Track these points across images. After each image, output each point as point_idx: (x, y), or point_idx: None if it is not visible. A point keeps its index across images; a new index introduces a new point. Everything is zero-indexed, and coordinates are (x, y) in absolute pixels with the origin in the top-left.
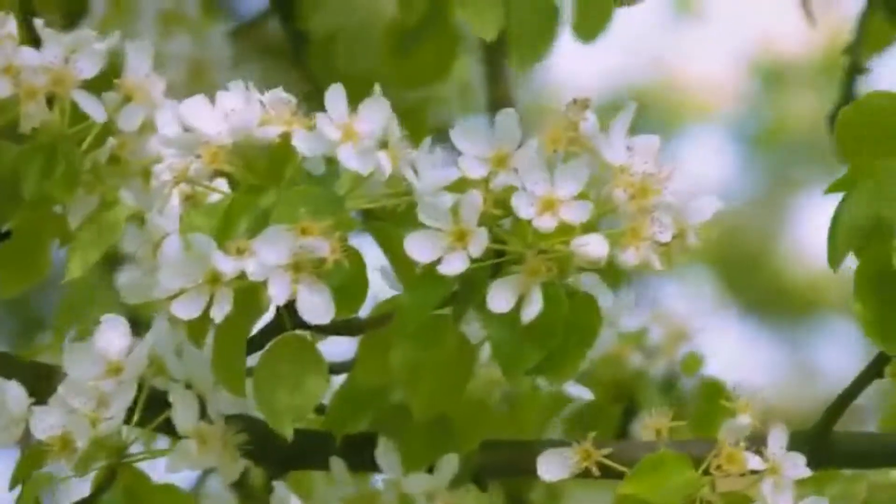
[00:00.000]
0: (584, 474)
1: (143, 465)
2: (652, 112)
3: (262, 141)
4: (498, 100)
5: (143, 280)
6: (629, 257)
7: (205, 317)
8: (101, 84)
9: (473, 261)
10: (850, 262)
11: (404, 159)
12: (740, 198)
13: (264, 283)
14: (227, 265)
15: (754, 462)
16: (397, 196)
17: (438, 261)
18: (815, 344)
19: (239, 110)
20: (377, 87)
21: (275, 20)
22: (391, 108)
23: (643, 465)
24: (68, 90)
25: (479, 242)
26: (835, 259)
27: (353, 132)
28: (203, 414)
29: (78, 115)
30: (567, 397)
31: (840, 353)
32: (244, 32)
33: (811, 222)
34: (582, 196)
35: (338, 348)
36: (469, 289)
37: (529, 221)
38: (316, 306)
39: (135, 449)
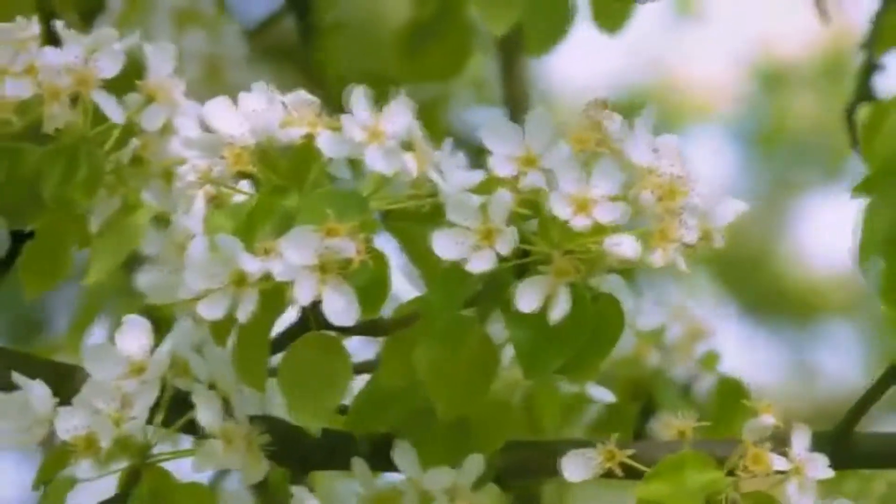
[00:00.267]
0: (607, 475)
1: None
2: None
3: (285, 142)
4: (513, 95)
5: (167, 281)
6: (657, 258)
7: (228, 317)
8: (117, 84)
9: (500, 260)
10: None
11: (430, 160)
12: (740, 199)
13: (290, 284)
14: (253, 266)
15: (780, 463)
16: (420, 197)
17: (464, 260)
18: (815, 345)
19: (261, 111)
20: (399, 88)
21: (288, 19)
22: None
23: (665, 465)
24: (91, 90)
25: (508, 241)
26: (862, 261)
27: (378, 133)
28: (227, 414)
29: (99, 116)
30: (584, 397)
31: (840, 354)
32: (258, 31)
33: (811, 223)
34: (616, 197)
35: (355, 348)
36: (494, 289)
37: (556, 221)
38: (341, 307)
39: (158, 449)
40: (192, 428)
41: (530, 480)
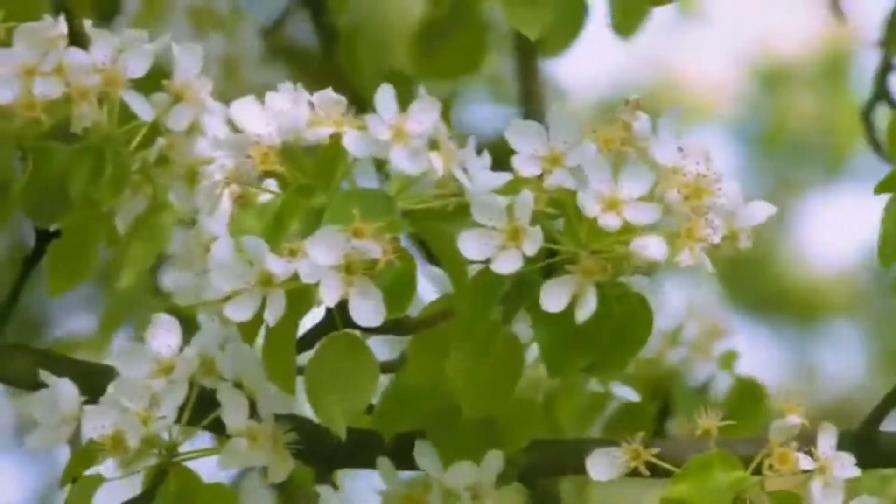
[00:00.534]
0: (632, 474)
1: None
2: (653, 113)
3: (311, 141)
4: (529, 93)
5: (193, 282)
6: (685, 258)
7: (256, 317)
8: (141, 84)
9: (526, 260)
10: (853, 264)
11: (455, 160)
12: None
13: (316, 285)
14: (279, 267)
15: (806, 462)
16: (445, 197)
17: (490, 260)
18: (817, 346)
19: (288, 110)
20: (418, 87)
21: (301, 18)
22: None
23: (693, 465)
24: (118, 90)
25: (534, 240)
26: (886, 258)
27: (403, 132)
28: (252, 413)
29: (125, 116)
30: (603, 396)
31: (841, 354)
32: (272, 30)
33: (812, 223)
34: (644, 197)
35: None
36: (521, 289)
37: (583, 220)
38: (368, 308)
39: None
40: (217, 426)
41: (553, 478)
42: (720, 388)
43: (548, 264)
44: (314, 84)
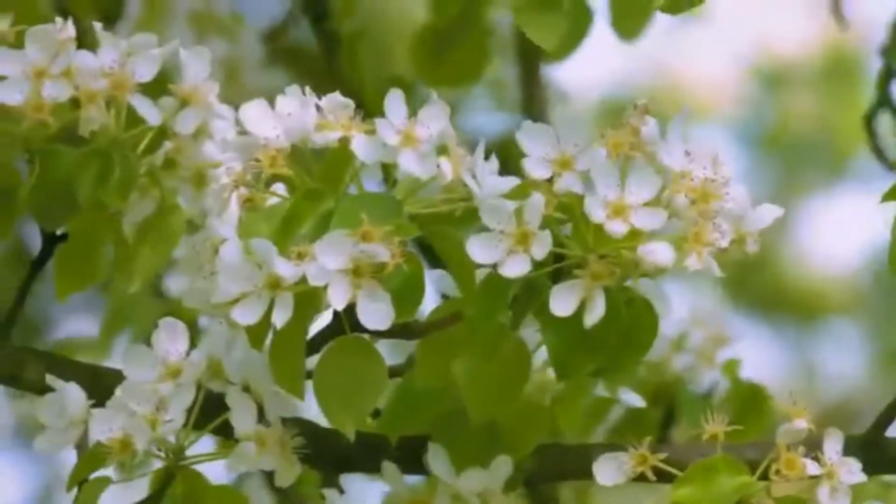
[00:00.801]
0: (639, 479)
1: None
2: (655, 114)
3: (319, 145)
4: (531, 98)
5: (201, 285)
6: (692, 263)
7: (264, 320)
8: (148, 87)
9: (534, 264)
10: (855, 265)
11: (464, 164)
12: None
13: (324, 288)
14: (287, 270)
15: (813, 468)
16: (453, 201)
17: (498, 264)
18: (818, 346)
19: (296, 114)
20: (426, 92)
21: (301, 22)
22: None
23: (697, 469)
24: (126, 94)
25: (543, 244)
26: (893, 265)
27: (412, 137)
28: (260, 417)
29: (132, 120)
30: (608, 401)
31: (842, 354)
32: (272, 34)
33: (814, 224)
34: (651, 202)
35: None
36: (530, 293)
37: (591, 226)
38: (376, 311)
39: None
40: (224, 430)
41: (558, 483)
42: (725, 394)
43: (556, 269)
44: (316, 89)
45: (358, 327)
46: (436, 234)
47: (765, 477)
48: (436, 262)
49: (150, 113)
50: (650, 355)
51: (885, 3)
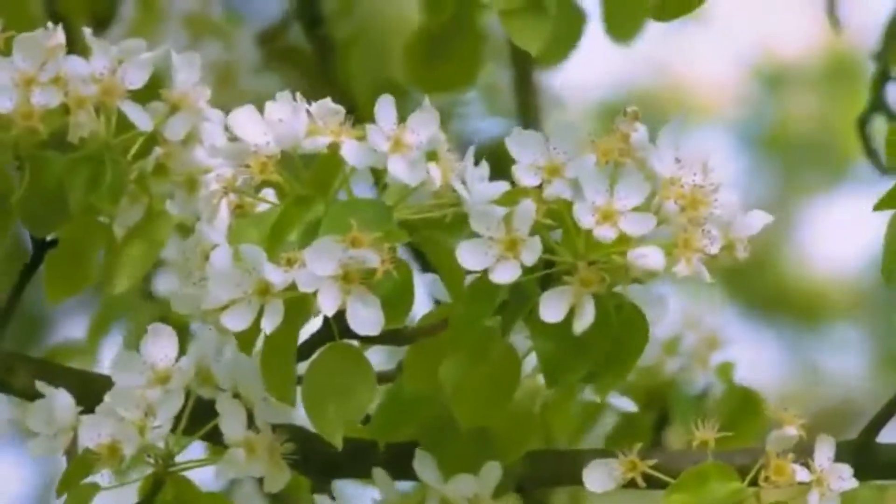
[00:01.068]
0: (629, 485)
1: None
2: (655, 115)
3: (309, 151)
4: (526, 104)
5: (191, 290)
6: (681, 269)
7: (254, 326)
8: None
9: (524, 270)
10: (856, 267)
11: (454, 171)
12: (744, 201)
13: (314, 294)
14: (277, 277)
15: (802, 474)
16: (443, 207)
17: (488, 271)
18: (819, 347)
19: (286, 120)
20: (417, 98)
21: (296, 26)
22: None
23: (688, 476)
24: (116, 100)
25: (533, 251)
26: (889, 274)
27: (401, 143)
28: (250, 423)
29: (122, 125)
30: (600, 406)
31: (844, 356)
32: (267, 38)
33: (815, 225)
34: (640, 208)
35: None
36: (519, 299)
37: (581, 232)
38: (366, 317)
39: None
40: (213, 436)
41: (549, 489)
42: (718, 397)
43: (545, 275)
44: (310, 93)
45: (348, 333)
46: (426, 240)
47: (755, 483)
48: (429, 267)
49: (141, 119)
50: (643, 359)
51: (885, 3)
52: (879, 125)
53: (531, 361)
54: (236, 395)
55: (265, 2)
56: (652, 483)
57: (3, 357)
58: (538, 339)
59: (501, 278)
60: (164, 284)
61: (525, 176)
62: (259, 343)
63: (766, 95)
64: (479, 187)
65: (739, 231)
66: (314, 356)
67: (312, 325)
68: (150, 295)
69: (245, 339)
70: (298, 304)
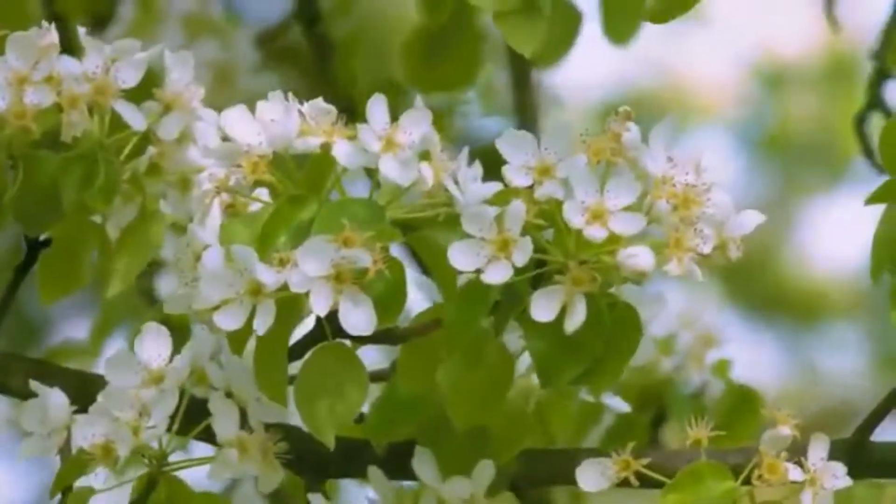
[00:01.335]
0: (623, 484)
1: None
2: (655, 115)
3: (301, 151)
4: (523, 103)
5: (184, 290)
6: (673, 268)
7: (246, 326)
8: (132, 91)
9: (516, 271)
10: (855, 266)
11: (446, 171)
12: (743, 201)
13: (306, 294)
14: (269, 277)
15: (795, 473)
16: (436, 207)
17: (480, 271)
18: (818, 347)
19: (279, 120)
20: (418, 97)
21: (296, 26)
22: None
23: (683, 476)
24: (110, 100)
25: (524, 251)
26: (876, 272)
27: (393, 143)
28: (243, 422)
29: (116, 125)
30: (596, 406)
31: (843, 357)
32: (266, 38)
33: (814, 225)
34: (631, 207)
35: (369, 357)
36: (511, 299)
37: (572, 231)
38: (358, 317)
39: (174, 457)
40: (207, 435)
41: (545, 488)
42: (715, 396)
43: (536, 274)
44: (309, 93)
45: (340, 333)
46: (418, 240)
47: (749, 482)
48: (425, 269)
49: (135, 118)
50: (639, 358)
51: (883, 3)
52: (877, 123)
53: (525, 361)
54: (230, 395)
55: (264, 2)
56: (647, 482)
57: None
58: (531, 338)
59: (493, 279)
60: (166, 286)
61: (516, 176)
62: (251, 343)
63: (766, 95)
64: (471, 187)
65: (732, 230)
66: (306, 356)
67: (305, 325)
68: (152, 296)
69: (237, 339)
70: (290, 304)
